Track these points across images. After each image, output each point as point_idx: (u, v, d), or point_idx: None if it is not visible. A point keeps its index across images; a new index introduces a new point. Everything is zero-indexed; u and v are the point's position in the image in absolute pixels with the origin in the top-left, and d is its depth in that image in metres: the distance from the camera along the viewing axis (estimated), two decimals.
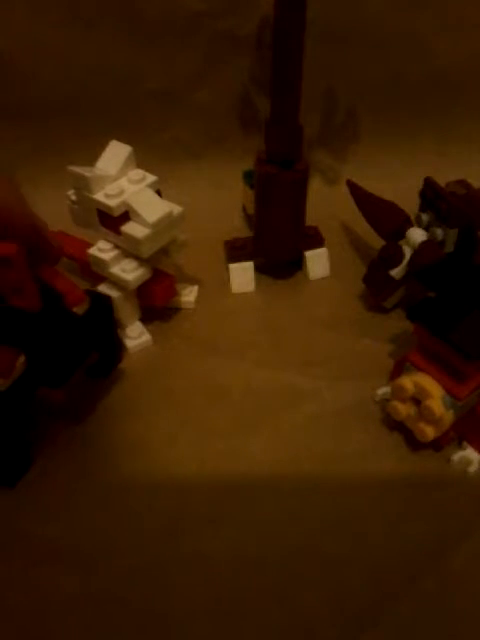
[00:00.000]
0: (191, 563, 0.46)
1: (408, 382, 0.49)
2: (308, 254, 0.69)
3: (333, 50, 0.75)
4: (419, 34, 0.76)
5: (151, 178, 0.57)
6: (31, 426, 0.52)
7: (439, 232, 0.59)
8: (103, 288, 0.59)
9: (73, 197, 0.61)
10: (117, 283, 0.58)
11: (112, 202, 0.54)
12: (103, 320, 0.54)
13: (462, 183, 0.62)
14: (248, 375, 0.59)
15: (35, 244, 0.44)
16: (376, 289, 0.63)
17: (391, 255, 0.61)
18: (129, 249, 0.57)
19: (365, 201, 0.67)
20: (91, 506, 0.49)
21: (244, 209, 0.77)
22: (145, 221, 0.54)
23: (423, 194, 0.61)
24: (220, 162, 0.65)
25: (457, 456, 0.51)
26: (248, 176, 0.71)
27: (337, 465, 0.51)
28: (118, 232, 0.56)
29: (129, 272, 0.57)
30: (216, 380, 0.58)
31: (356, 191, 0.68)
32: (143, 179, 0.57)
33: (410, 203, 0.63)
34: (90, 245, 0.59)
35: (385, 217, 0.64)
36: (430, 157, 0.81)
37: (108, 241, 0.58)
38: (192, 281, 0.68)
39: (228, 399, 0.56)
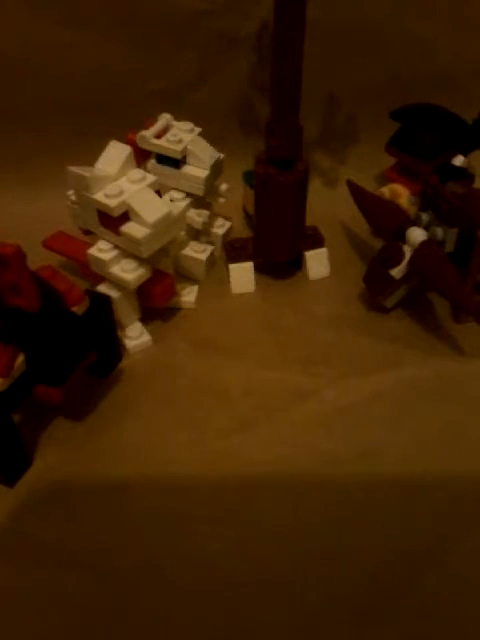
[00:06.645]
0: (191, 563, 0.46)
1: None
2: (308, 254, 0.69)
3: (333, 51, 0.75)
4: (419, 34, 0.76)
5: (151, 178, 0.57)
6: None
7: (439, 232, 0.59)
8: (103, 288, 0.59)
9: (73, 197, 0.61)
10: (117, 283, 0.58)
11: (112, 202, 0.54)
12: (102, 320, 0.54)
13: (462, 183, 0.62)
14: (248, 375, 0.58)
15: None
16: (376, 289, 0.63)
17: (391, 255, 0.61)
18: (129, 249, 0.57)
19: (365, 201, 0.67)
20: (91, 506, 0.49)
21: (244, 209, 0.77)
22: (145, 221, 0.54)
23: (423, 194, 0.61)
24: None
25: None
26: (248, 176, 0.71)
27: (337, 464, 0.51)
28: (118, 232, 0.56)
29: (129, 272, 0.57)
30: (216, 380, 0.58)
31: (356, 191, 0.68)
32: (143, 179, 0.57)
33: None
34: (90, 245, 0.59)
35: (385, 217, 0.64)
36: None
37: (108, 241, 0.58)
38: (192, 281, 0.68)
39: (228, 399, 0.56)
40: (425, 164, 0.69)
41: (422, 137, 0.70)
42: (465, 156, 0.69)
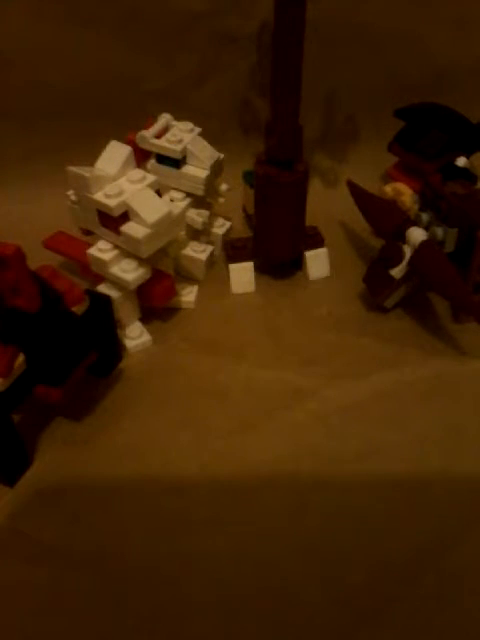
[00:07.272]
0: (192, 562, 0.46)
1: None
2: (308, 254, 0.69)
3: (333, 51, 0.75)
4: (419, 34, 0.76)
5: (151, 178, 0.57)
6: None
7: (439, 232, 0.59)
8: (103, 288, 0.59)
9: (73, 197, 0.61)
10: (117, 283, 0.58)
11: (111, 202, 0.54)
12: (102, 320, 0.54)
13: (462, 183, 0.62)
14: (248, 375, 0.58)
15: None
16: (376, 289, 0.63)
17: (391, 255, 0.61)
18: (129, 249, 0.57)
19: (365, 201, 0.67)
20: (91, 506, 0.49)
21: (244, 209, 0.77)
22: (145, 221, 0.54)
23: (423, 194, 0.61)
24: None
25: None
26: (248, 176, 0.71)
27: (337, 464, 0.51)
28: (118, 232, 0.56)
29: (129, 272, 0.57)
30: (216, 380, 0.58)
31: (356, 191, 0.68)
32: (143, 179, 0.57)
33: None
34: (90, 245, 0.59)
35: (385, 217, 0.64)
36: None
37: (108, 241, 0.58)
38: (192, 281, 0.68)
39: (228, 399, 0.56)
40: (429, 163, 0.69)
41: (429, 136, 0.70)
42: (468, 157, 0.69)
